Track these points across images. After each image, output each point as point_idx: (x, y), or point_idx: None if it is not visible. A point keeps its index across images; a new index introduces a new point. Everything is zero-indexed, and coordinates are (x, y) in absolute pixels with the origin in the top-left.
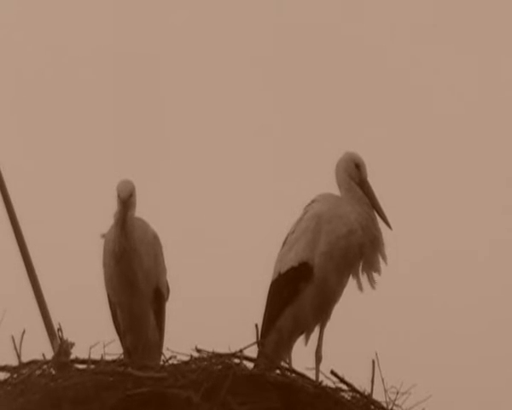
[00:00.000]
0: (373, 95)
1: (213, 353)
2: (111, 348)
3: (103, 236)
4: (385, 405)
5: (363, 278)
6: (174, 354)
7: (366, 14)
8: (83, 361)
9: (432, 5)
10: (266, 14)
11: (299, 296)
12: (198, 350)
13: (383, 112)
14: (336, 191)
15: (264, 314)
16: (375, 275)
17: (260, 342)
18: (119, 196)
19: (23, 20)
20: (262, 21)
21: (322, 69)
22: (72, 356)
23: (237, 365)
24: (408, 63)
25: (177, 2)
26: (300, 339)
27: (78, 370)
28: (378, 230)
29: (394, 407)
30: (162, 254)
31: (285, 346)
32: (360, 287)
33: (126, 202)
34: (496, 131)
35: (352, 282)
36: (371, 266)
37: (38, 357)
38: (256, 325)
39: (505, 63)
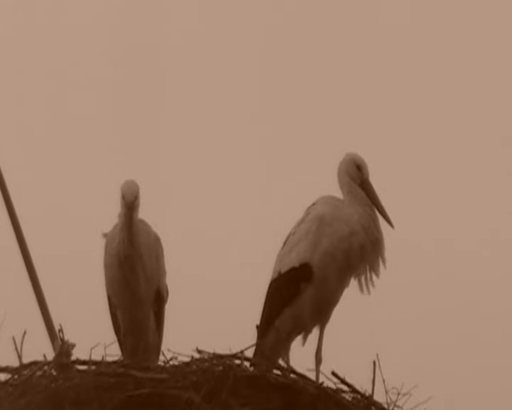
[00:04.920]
0: (374, 94)
1: (214, 354)
2: (112, 349)
3: (105, 235)
4: (386, 406)
5: (363, 281)
6: (175, 355)
7: (366, 13)
8: (84, 362)
9: (432, 6)
10: (265, 13)
11: (299, 297)
12: (199, 351)
13: (384, 111)
14: (339, 192)
15: (263, 314)
16: (374, 278)
17: (257, 342)
18: (123, 198)
19: (24, 15)
20: (260, 19)
21: (324, 69)
22: (73, 357)
23: (238, 366)
24: (408, 62)
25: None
26: (298, 340)
27: (79, 371)
28: (379, 231)
29: (395, 408)
30: (163, 256)
31: (283, 345)
32: (361, 289)
33: (132, 205)
34: (494, 129)
35: (352, 283)
36: (371, 268)
37: (39, 358)
38: (257, 326)
39: (505, 62)
